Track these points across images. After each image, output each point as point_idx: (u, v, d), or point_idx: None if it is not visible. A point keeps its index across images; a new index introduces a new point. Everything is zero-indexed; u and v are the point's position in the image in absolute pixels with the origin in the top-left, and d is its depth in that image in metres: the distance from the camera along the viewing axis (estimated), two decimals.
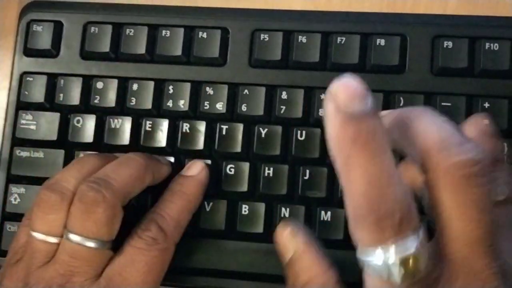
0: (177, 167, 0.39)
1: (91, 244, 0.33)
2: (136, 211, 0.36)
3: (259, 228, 0.38)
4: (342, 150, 0.24)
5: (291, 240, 0.33)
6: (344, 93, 0.24)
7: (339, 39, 0.39)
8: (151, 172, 0.36)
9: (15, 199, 0.40)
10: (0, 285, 0.34)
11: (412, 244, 0.24)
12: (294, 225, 0.34)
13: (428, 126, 0.26)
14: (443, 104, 0.37)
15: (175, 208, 0.36)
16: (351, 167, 0.24)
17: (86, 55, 0.41)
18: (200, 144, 0.39)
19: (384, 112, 0.29)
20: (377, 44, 0.39)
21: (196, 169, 0.38)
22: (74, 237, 0.33)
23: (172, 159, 0.39)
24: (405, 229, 0.24)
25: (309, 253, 0.32)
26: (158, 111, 0.40)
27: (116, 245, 0.34)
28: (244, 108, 0.39)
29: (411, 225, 0.24)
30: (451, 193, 0.25)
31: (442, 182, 0.25)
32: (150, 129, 0.40)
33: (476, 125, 0.29)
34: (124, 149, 0.39)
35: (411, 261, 0.24)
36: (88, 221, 0.33)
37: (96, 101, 0.40)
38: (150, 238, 0.34)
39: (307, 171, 0.38)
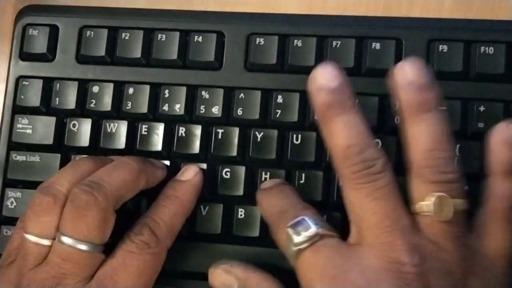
0: (173, 171, 0.39)
1: (82, 247, 0.33)
2: (130, 216, 0.36)
3: (255, 232, 0.38)
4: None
5: (228, 275, 0.35)
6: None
7: (334, 43, 0.39)
8: (145, 176, 0.36)
9: (12, 203, 0.40)
10: None
11: (300, 217, 0.33)
12: (224, 263, 0.36)
13: (339, 130, 0.32)
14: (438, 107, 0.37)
15: (168, 212, 0.36)
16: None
17: (82, 59, 0.41)
18: (196, 148, 0.39)
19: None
20: (373, 47, 0.39)
21: (190, 173, 0.38)
22: (66, 240, 0.33)
23: (167, 163, 0.39)
24: (299, 216, 0.33)
25: (252, 276, 0.35)
26: (154, 115, 0.40)
27: (109, 249, 0.34)
28: (240, 112, 0.39)
29: (305, 213, 0.33)
30: (352, 192, 0.32)
31: (345, 184, 0.33)
32: (146, 133, 0.40)
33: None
34: (120, 153, 0.39)
35: (302, 225, 0.32)
36: (80, 224, 0.33)
37: (92, 105, 0.40)
38: (142, 242, 0.34)
39: (303, 175, 0.38)
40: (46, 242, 0.34)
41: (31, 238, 0.34)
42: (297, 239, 0.32)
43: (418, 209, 0.31)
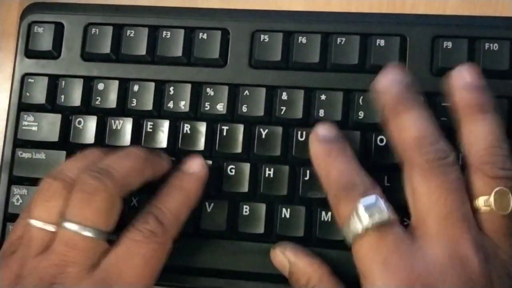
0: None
1: (88, 233, 0.33)
2: (136, 210, 0.36)
3: (260, 229, 0.38)
4: (321, 159, 0.35)
5: (283, 257, 0.36)
6: (321, 128, 0.36)
7: (339, 40, 0.39)
8: (151, 166, 0.36)
9: (17, 200, 0.40)
10: None
11: (374, 197, 0.32)
12: (280, 244, 0.37)
13: (410, 123, 0.33)
14: (443, 104, 0.37)
15: (173, 201, 0.36)
16: (328, 167, 0.34)
17: (87, 56, 0.41)
18: (201, 145, 0.39)
19: (384, 83, 0.34)
20: (377, 44, 0.39)
21: (195, 165, 0.38)
22: (71, 226, 0.33)
23: (173, 159, 0.39)
24: (369, 194, 0.32)
25: (301, 261, 0.36)
26: (158, 112, 0.40)
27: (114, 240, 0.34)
28: (244, 109, 0.39)
29: (375, 192, 0.32)
30: (422, 181, 0.31)
31: (414, 173, 0.32)
32: (151, 130, 0.40)
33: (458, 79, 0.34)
34: None
35: (375, 207, 0.31)
36: (87, 209, 0.33)
37: (97, 102, 0.41)
38: (148, 230, 0.34)
39: (308, 172, 0.38)
40: (51, 228, 0.33)
41: (36, 223, 0.34)
42: (367, 220, 0.31)
43: (478, 203, 0.31)
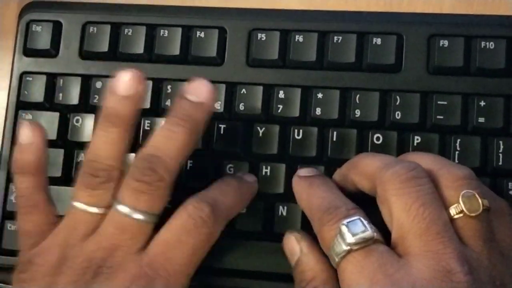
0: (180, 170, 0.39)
1: (139, 216, 0.32)
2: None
3: (258, 227, 0.38)
4: (304, 191, 0.36)
5: (296, 244, 0.35)
6: (301, 170, 0.38)
7: (335, 38, 0.39)
8: (194, 137, 0.35)
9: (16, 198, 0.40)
10: (32, 264, 0.33)
11: (356, 217, 0.31)
12: (299, 232, 0.36)
13: (371, 160, 0.34)
14: (439, 102, 0.38)
15: (230, 197, 0.36)
16: (310, 195, 0.35)
17: (85, 55, 0.42)
18: (199, 143, 0.39)
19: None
20: (374, 43, 0.39)
21: (250, 178, 0.38)
22: (123, 208, 0.32)
23: None
24: (351, 214, 0.32)
25: (313, 254, 0.34)
26: (156, 110, 0.40)
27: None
28: (241, 107, 0.39)
29: (357, 213, 0.32)
30: (396, 198, 0.31)
31: (387, 191, 0.31)
32: (148, 128, 0.40)
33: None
34: None
35: (357, 225, 0.31)
36: (142, 196, 0.32)
37: (95, 100, 0.41)
38: (201, 219, 0.33)
39: None
40: (98, 211, 0.33)
41: (82, 206, 0.33)
42: (351, 239, 0.30)
43: (451, 213, 0.31)
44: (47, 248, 0.34)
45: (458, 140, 0.37)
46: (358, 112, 0.38)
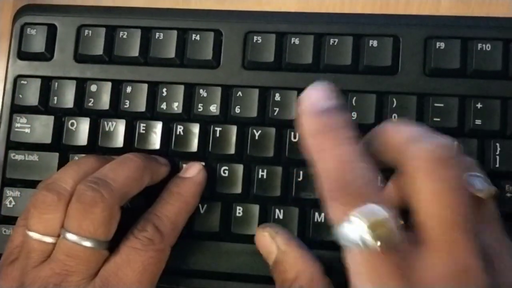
0: (172, 170, 0.39)
1: (87, 243, 0.33)
2: (132, 212, 0.36)
3: (254, 230, 0.38)
4: (314, 140, 0.28)
5: (272, 242, 0.35)
6: (314, 95, 0.28)
7: (332, 41, 0.39)
8: (149, 172, 0.36)
9: (10, 202, 0.40)
10: None
11: (378, 211, 0.26)
12: (272, 227, 0.35)
13: (399, 128, 0.29)
14: (435, 105, 0.38)
15: (172, 209, 0.36)
16: (321, 153, 0.28)
17: (80, 58, 0.41)
18: (194, 146, 0.39)
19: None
20: (370, 45, 0.39)
21: (193, 171, 0.38)
22: (71, 237, 0.33)
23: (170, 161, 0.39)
24: (371, 200, 0.26)
25: (292, 251, 0.34)
26: (151, 113, 0.40)
27: (112, 246, 0.35)
28: (237, 110, 0.39)
29: (377, 197, 0.26)
30: (426, 181, 0.26)
31: (417, 171, 0.27)
32: (144, 131, 0.40)
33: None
34: (118, 151, 0.39)
35: (380, 225, 0.25)
36: (86, 221, 0.33)
37: (90, 104, 0.40)
38: (146, 238, 0.34)
39: (301, 173, 0.38)
40: (50, 240, 0.34)
41: (35, 235, 0.34)
42: (369, 238, 0.26)
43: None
44: (7, 273, 0.34)
45: (455, 143, 0.37)
46: (354, 115, 0.38)
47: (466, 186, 0.27)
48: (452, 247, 0.26)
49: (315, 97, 0.28)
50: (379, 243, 0.25)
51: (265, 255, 0.35)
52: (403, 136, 0.28)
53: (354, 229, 0.26)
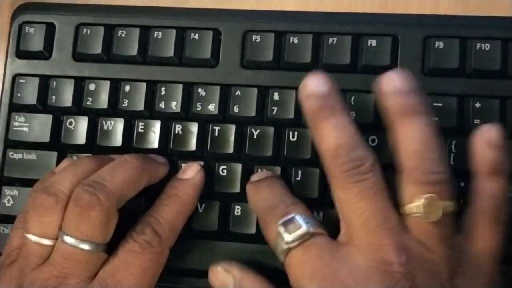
0: (170, 169, 0.39)
1: (85, 246, 0.33)
2: (130, 214, 0.36)
3: (252, 229, 0.38)
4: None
5: (227, 274, 0.36)
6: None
7: (330, 40, 0.39)
8: (147, 174, 0.36)
9: (8, 201, 0.40)
10: None
11: (291, 215, 0.33)
12: (224, 262, 0.37)
13: (328, 131, 0.33)
14: (434, 104, 0.37)
15: (170, 211, 0.36)
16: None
17: (78, 56, 0.41)
18: (193, 145, 0.39)
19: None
20: (369, 44, 0.39)
21: (191, 172, 0.38)
22: (68, 239, 0.33)
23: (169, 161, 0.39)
24: (289, 213, 0.33)
25: (248, 278, 0.36)
26: (150, 112, 0.40)
27: (110, 248, 0.35)
28: (236, 109, 0.39)
29: (295, 209, 0.34)
30: (341, 192, 0.33)
31: (335, 184, 0.33)
32: (142, 130, 0.40)
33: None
34: (116, 150, 0.39)
35: (293, 223, 0.33)
36: (83, 224, 0.33)
37: (88, 102, 0.40)
38: (144, 241, 0.34)
39: (299, 172, 0.38)
40: (48, 242, 0.34)
41: (33, 238, 0.34)
42: (287, 237, 0.32)
43: (407, 210, 0.32)
44: (6, 274, 0.34)
45: (454, 142, 0.37)
46: (353, 114, 0.38)
47: (380, 192, 0.32)
48: (371, 246, 0.31)
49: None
50: (294, 236, 0.32)
51: None
52: (328, 146, 0.33)
53: (280, 238, 0.33)
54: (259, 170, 0.39)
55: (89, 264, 0.33)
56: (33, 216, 0.34)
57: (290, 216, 0.33)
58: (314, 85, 0.33)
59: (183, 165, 0.39)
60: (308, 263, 0.32)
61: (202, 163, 0.39)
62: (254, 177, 0.38)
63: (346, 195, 0.32)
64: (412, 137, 0.32)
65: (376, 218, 0.31)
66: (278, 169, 0.38)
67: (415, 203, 0.31)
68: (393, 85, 0.33)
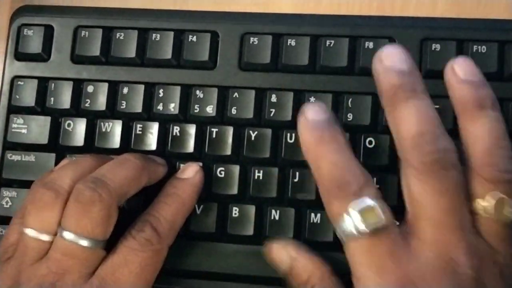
0: (168, 170, 0.39)
1: (84, 242, 0.33)
2: (129, 212, 0.36)
3: (250, 231, 0.38)
4: (312, 148, 0.32)
5: (283, 252, 0.36)
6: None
7: (328, 42, 0.39)
8: (147, 173, 0.36)
9: (7, 202, 0.40)
10: None
11: (370, 201, 0.30)
12: (282, 239, 0.37)
13: (410, 114, 0.31)
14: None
15: (170, 210, 0.36)
16: (319, 157, 0.32)
17: (77, 59, 0.41)
18: (190, 147, 0.39)
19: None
20: (366, 47, 0.39)
21: (191, 171, 0.38)
22: (68, 235, 0.33)
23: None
24: (363, 194, 0.30)
25: (302, 257, 0.35)
26: (148, 114, 0.40)
27: (109, 245, 0.35)
28: (234, 111, 0.39)
29: (369, 191, 0.30)
30: (417, 182, 0.30)
31: (410, 173, 0.31)
32: (140, 132, 0.40)
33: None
34: (114, 152, 0.39)
35: (369, 212, 0.30)
36: (83, 220, 0.33)
37: (86, 104, 0.41)
38: (144, 239, 0.34)
39: (297, 174, 0.38)
40: (47, 238, 0.34)
41: (31, 232, 0.34)
42: (361, 225, 0.29)
43: (477, 208, 0.30)
44: (2, 270, 0.34)
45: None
46: (350, 116, 0.38)
47: (461, 190, 0.30)
48: (443, 245, 0.29)
49: (313, 111, 0.33)
50: (370, 228, 0.29)
51: (278, 264, 0.36)
52: (409, 132, 0.31)
53: (349, 221, 0.30)
54: (257, 172, 0.39)
55: (88, 261, 0.33)
56: (31, 211, 0.34)
57: (365, 200, 0.30)
58: (397, 59, 0.31)
59: (181, 165, 0.39)
60: (377, 255, 0.30)
61: (201, 163, 0.39)
62: (310, 114, 0.33)
63: (422, 187, 0.30)
64: (483, 133, 0.31)
65: (452, 216, 0.30)
66: (275, 170, 0.38)
67: (485, 203, 0.30)
68: (468, 74, 0.31)
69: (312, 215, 0.38)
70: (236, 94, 0.39)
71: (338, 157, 0.31)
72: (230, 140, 0.39)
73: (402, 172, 0.32)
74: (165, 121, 0.40)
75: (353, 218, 0.30)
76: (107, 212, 0.33)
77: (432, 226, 0.30)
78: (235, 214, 0.38)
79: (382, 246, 0.30)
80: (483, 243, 0.30)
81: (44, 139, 0.40)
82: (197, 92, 0.40)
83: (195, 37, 0.40)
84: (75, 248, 0.33)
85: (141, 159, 0.36)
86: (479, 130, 0.31)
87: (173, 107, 0.40)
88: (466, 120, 0.32)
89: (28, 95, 0.41)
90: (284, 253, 0.36)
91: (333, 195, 0.31)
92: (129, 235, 0.35)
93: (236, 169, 0.39)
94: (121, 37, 0.41)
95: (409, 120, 0.30)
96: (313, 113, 0.33)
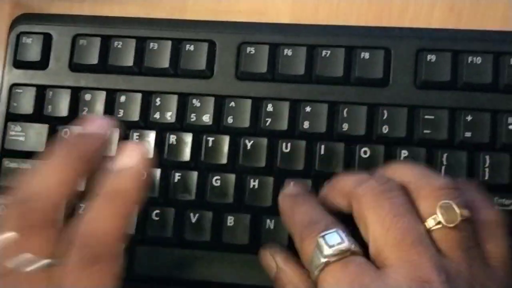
0: (165, 180, 0.39)
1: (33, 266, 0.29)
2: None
3: (245, 240, 0.38)
4: (288, 210, 0.35)
5: (272, 259, 0.36)
6: (288, 188, 0.37)
7: (324, 52, 0.39)
8: (79, 165, 0.32)
9: (3, 209, 0.40)
10: None
11: (334, 230, 0.31)
12: (272, 247, 0.37)
13: (347, 179, 0.34)
14: (426, 117, 0.38)
15: (103, 219, 0.30)
16: (293, 215, 0.35)
17: (75, 67, 0.42)
18: (187, 155, 0.39)
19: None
20: (362, 57, 0.39)
21: (130, 158, 0.32)
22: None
23: (158, 171, 0.39)
24: (330, 229, 0.32)
25: (289, 267, 0.35)
26: (145, 123, 0.40)
27: None
28: (230, 120, 0.39)
29: (337, 227, 0.32)
30: (370, 211, 0.31)
31: (362, 205, 0.32)
32: (137, 140, 0.40)
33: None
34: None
35: (334, 236, 0.31)
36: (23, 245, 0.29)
37: (84, 113, 0.41)
38: (81, 261, 0.29)
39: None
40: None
41: None
42: (327, 251, 0.31)
43: (428, 224, 0.31)
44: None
45: (445, 155, 0.37)
46: (346, 126, 0.38)
47: (411, 211, 0.31)
48: (410, 265, 0.29)
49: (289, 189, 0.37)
50: (334, 250, 0.30)
51: (268, 271, 0.36)
52: (349, 183, 0.33)
53: (317, 252, 0.31)
54: (253, 181, 0.39)
55: (42, 281, 0.29)
56: None
57: (332, 231, 0.31)
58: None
59: (172, 172, 0.39)
60: (345, 281, 0.30)
61: (195, 173, 0.39)
62: (288, 191, 0.37)
63: (378, 213, 0.31)
64: (407, 172, 0.33)
65: (412, 236, 0.30)
66: (271, 180, 0.38)
67: (433, 215, 0.30)
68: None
69: None
70: (232, 103, 0.40)
71: (309, 208, 0.35)
72: (226, 149, 0.39)
73: (356, 214, 0.33)
74: (162, 130, 0.40)
75: (321, 247, 0.31)
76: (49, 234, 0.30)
77: (394, 249, 0.30)
78: (230, 223, 0.38)
79: (350, 271, 0.30)
80: (446, 259, 0.30)
81: (41, 147, 0.41)
82: (194, 101, 0.40)
83: (192, 46, 0.41)
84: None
85: (63, 154, 0.32)
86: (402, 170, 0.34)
87: (170, 116, 0.40)
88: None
89: (26, 103, 0.41)
90: (272, 261, 0.36)
91: (303, 236, 0.33)
92: (67, 259, 0.29)
93: (232, 178, 0.39)
94: (119, 46, 0.41)
95: (349, 180, 0.34)
96: (290, 189, 0.37)
